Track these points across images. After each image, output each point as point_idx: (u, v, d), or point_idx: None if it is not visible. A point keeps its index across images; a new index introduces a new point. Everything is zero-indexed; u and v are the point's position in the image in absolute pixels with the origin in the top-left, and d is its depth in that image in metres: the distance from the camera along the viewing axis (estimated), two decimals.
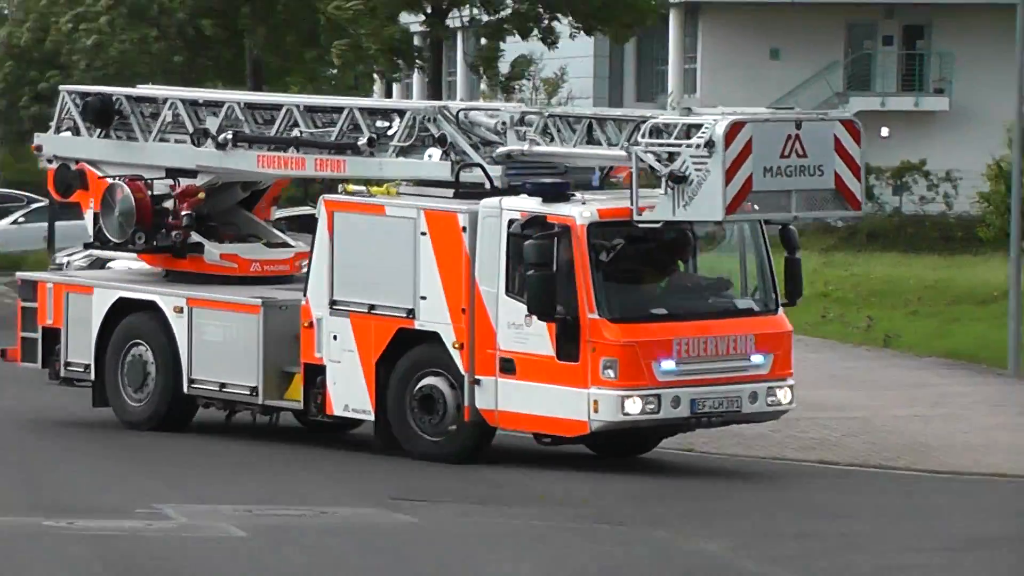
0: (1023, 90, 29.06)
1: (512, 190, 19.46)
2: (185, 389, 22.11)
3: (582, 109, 25.75)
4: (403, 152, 20.73)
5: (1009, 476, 21.17)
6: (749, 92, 48.92)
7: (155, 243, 22.80)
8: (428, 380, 19.82)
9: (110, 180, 22.79)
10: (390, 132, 21.05)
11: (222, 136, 22.21)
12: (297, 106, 22.38)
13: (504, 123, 20.68)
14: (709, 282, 20.42)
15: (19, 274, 25.11)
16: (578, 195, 19.05)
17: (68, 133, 23.99)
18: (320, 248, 20.19)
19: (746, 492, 20.57)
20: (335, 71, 42.62)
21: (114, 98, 23.77)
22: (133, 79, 33.07)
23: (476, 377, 19.35)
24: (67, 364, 22.99)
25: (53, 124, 24.46)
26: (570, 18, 32.29)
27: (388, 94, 53.85)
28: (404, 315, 19.89)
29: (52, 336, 23.28)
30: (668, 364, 18.93)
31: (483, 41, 32.55)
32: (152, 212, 22.59)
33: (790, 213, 19.65)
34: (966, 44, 54.76)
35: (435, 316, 19.65)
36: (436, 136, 20.60)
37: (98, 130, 23.56)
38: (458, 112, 20.89)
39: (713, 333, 19.20)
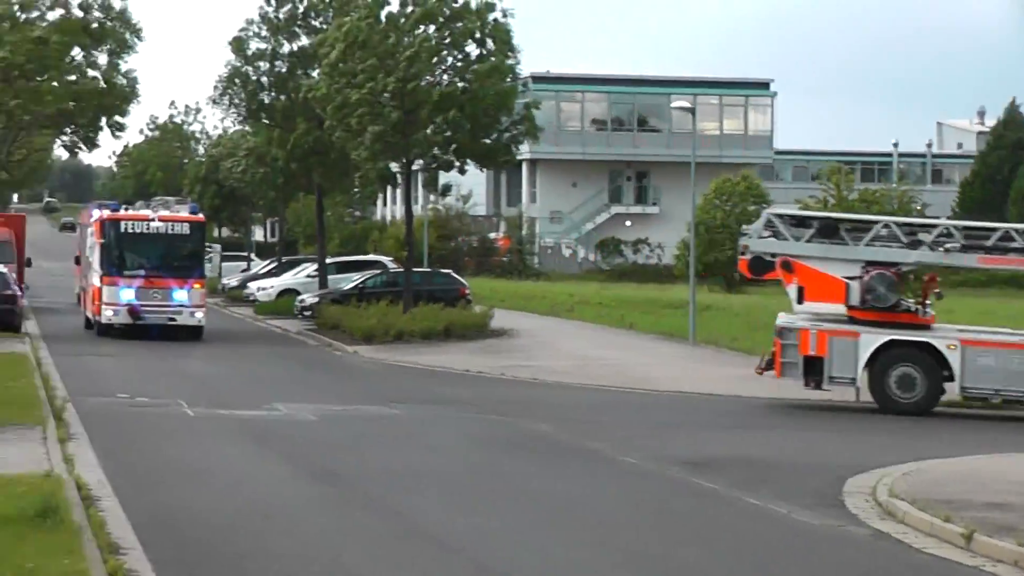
0: (694, 205, 49.90)
1: None
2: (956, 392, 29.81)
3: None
4: None
5: (688, 393, 33.71)
6: (562, 205, 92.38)
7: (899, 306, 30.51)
8: None
9: (873, 270, 30.34)
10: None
11: (947, 244, 30.12)
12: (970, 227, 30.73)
13: None
14: None
15: (780, 322, 31.13)
16: None
17: (772, 238, 31.52)
18: None
19: (559, 399, 32.02)
20: (357, 191, 63.52)
21: (835, 219, 31.81)
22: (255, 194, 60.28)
23: None
24: (831, 377, 30.41)
25: (752, 232, 31.94)
26: (472, 162, 48.22)
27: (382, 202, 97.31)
28: None
29: (814, 361, 30.29)
30: None
31: (426, 174, 48.70)
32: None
33: None
34: (667, 180, 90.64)
35: None
36: None
37: (807, 234, 30.77)
38: None
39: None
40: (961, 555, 16.25)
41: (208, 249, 57.41)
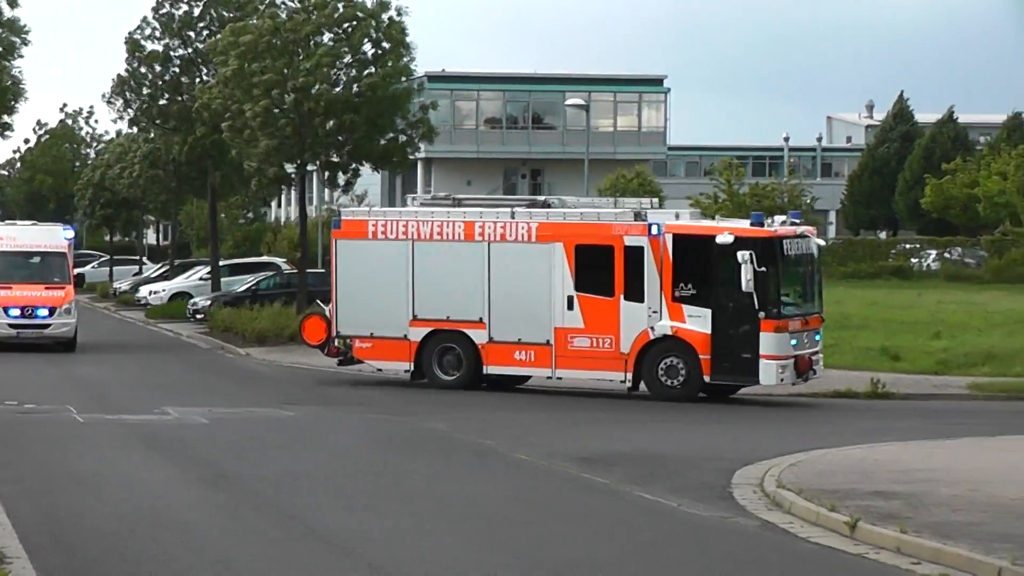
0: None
1: None
2: None
3: None
4: None
5: (583, 389, 32.73)
6: None
7: None
8: None
9: None
10: None
11: None
12: None
13: None
14: None
15: None
16: None
17: None
18: None
19: (455, 398, 31.66)
20: (252, 193, 61.51)
21: None
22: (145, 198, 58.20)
23: None
24: None
25: None
26: (367, 163, 48.28)
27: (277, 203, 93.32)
28: None
29: None
30: None
31: (327, 172, 48.45)
32: None
33: None
34: (561, 177, 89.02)
35: None
36: None
37: None
38: None
39: None
40: (846, 543, 16.52)
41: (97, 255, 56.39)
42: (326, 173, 49.47)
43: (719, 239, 30.61)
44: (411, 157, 54.11)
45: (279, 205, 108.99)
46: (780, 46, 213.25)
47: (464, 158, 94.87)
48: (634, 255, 31.64)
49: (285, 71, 45.91)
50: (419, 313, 33.48)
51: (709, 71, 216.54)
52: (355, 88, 46.89)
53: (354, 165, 47.71)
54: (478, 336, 32.98)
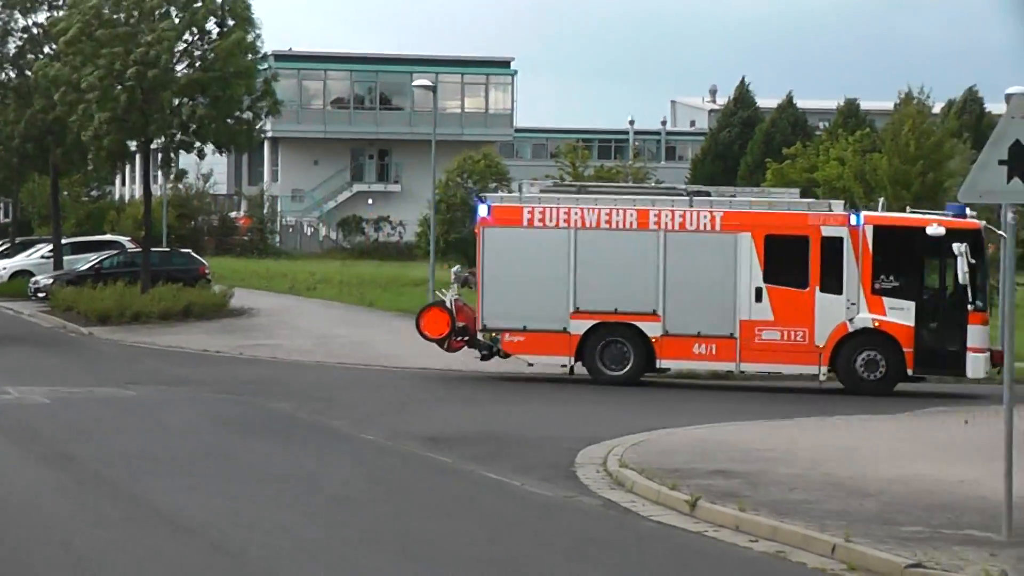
0: (434, 183, 48.88)
1: None
2: None
3: None
4: None
5: (429, 369, 33.74)
6: (304, 183, 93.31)
7: None
8: None
9: None
10: None
11: None
12: None
13: None
14: None
15: None
16: None
17: None
18: None
19: (299, 378, 31.98)
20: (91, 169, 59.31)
21: None
22: None
23: None
24: None
25: None
26: (212, 144, 47.67)
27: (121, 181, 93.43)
28: None
29: None
30: None
31: (162, 154, 48.02)
32: None
33: None
34: (408, 158, 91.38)
35: None
36: None
37: None
38: None
39: None
40: (686, 521, 16.83)
41: None
42: (159, 156, 48.91)
43: (930, 231, 30.02)
44: (259, 137, 53.70)
45: (123, 183, 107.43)
46: (625, 30, 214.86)
47: (312, 138, 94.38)
48: (832, 246, 31.15)
49: (126, 47, 45.29)
50: (581, 305, 31.97)
51: (555, 54, 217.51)
52: (199, 64, 46.39)
53: (198, 144, 47.16)
54: (651, 329, 31.79)
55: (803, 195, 37.57)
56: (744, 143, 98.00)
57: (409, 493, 18.62)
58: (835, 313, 31.17)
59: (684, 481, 18.26)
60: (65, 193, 76.38)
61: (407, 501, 18.02)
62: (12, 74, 54.29)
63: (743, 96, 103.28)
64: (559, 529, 16.57)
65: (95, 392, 28.92)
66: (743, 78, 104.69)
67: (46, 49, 52.87)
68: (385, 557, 14.83)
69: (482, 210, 32.70)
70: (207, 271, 53.67)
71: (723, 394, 31.31)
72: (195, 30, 46.81)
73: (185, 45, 47.08)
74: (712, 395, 31.21)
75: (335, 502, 17.71)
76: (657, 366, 32.16)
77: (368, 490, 18.72)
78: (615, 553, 15.53)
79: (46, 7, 53.83)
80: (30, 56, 53.88)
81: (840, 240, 31.16)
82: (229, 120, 47.51)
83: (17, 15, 53.99)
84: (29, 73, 53.35)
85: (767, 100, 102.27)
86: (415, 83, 52.95)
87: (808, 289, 31.32)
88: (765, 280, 31.42)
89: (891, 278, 31.12)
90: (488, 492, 18.74)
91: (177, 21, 46.47)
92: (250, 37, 46.81)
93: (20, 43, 54.35)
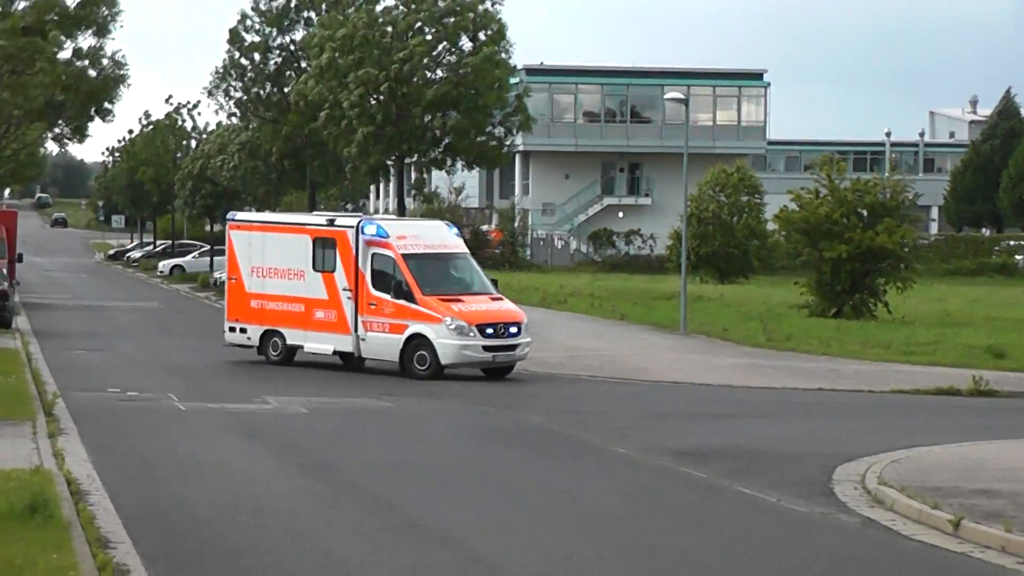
0: (686, 196, 48.30)
1: None
2: None
3: None
4: None
5: (680, 383, 34.00)
6: (554, 197, 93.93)
7: None
8: None
9: None
10: None
11: None
12: None
13: None
14: None
15: None
16: None
17: None
18: None
19: (551, 391, 32.25)
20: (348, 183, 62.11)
21: None
22: (245, 189, 58.58)
23: None
24: None
25: None
26: (463, 160, 48.59)
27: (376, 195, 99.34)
28: None
29: None
30: None
31: (417, 173, 48.78)
32: None
33: None
34: (659, 171, 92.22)
35: None
36: None
37: None
38: None
39: None
40: (949, 541, 16.31)
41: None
42: (417, 173, 49.77)
43: None
44: (509, 154, 54.29)
45: (377, 197, 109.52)
46: (883, 41, 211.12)
47: (563, 151, 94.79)
48: None
49: (380, 63, 46.14)
50: None
51: (809, 65, 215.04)
52: (451, 76, 47.03)
53: (450, 162, 47.88)
54: None
55: None
56: (1006, 155, 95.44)
57: (663, 508, 18.43)
58: None
59: (946, 500, 17.72)
60: (322, 207, 78.16)
61: (660, 517, 17.83)
62: (272, 90, 55.65)
63: (1007, 107, 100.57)
64: (817, 547, 16.22)
65: (352, 403, 29.27)
66: (1008, 89, 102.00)
67: (302, 64, 54.08)
68: (639, 574, 14.65)
69: None
70: None
71: (980, 410, 30.32)
72: (447, 45, 47.45)
73: (437, 60, 47.74)
74: (968, 411, 30.25)
75: (589, 516, 17.60)
76: None
77: (621, 504, 18.57)
78: (876, 573, 15.14)
79: (302, 24, 55.09)
80: (285, 72, 55.18)
81: None
82: (480, 137, 48.03)
83: (275, 33, 55.37)
84: (287, 90, 54.66)
85: None
86: (667, 96, 52.69)
87: None
88: None
89: None
90: (743, 508, 18.44)
91: (429, 37, 47.17)
92: (502, 52, 47.25)
93: (279, 60, 55.68)
